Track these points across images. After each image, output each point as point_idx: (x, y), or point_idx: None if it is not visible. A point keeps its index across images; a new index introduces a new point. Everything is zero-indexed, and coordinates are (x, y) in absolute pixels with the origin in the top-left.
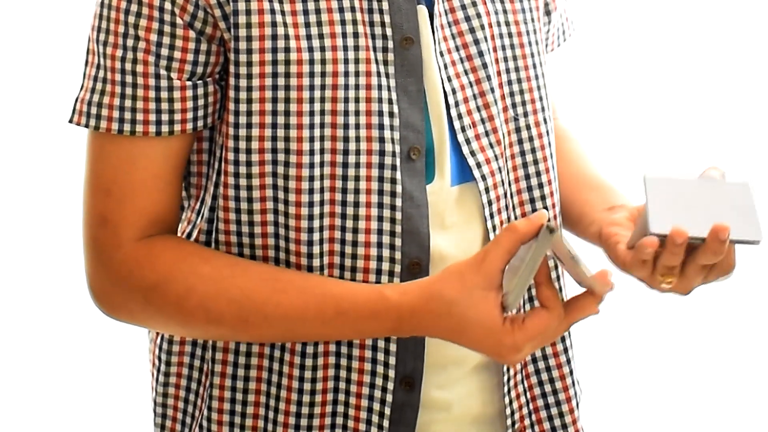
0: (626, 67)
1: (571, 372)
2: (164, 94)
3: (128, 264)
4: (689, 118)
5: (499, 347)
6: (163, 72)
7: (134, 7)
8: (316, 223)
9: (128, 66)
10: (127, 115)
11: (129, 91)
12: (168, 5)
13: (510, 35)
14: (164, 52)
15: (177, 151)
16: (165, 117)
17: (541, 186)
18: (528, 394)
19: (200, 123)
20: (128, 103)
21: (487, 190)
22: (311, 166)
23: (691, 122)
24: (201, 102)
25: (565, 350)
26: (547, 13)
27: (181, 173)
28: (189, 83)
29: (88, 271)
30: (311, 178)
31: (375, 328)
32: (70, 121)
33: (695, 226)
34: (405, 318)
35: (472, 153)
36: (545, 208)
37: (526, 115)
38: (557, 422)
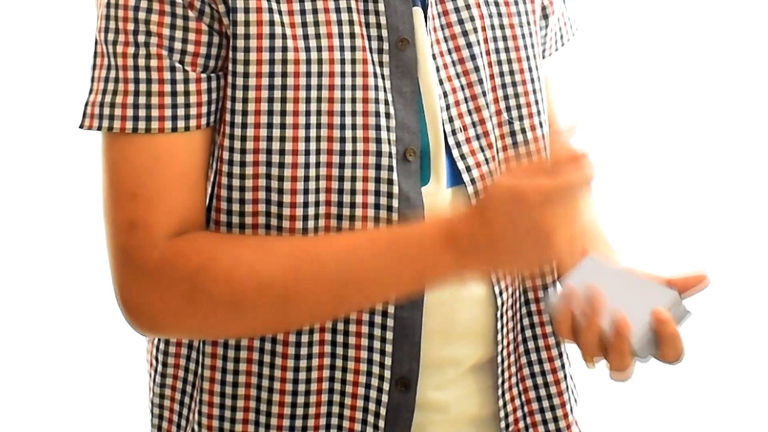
0: (626, 69)
1: (565, 377)
2: (180, 87)
3: (169, 258)
4: (689, 120)
5: (529, 210)
6: (177, 65)
7: (143, 3)
8: (311, 224)
9: (141, 62)
10: (142, 113)
11: (143, 87)
12: None
13: (504, 39)
14: (178, 45)
15: (199, 148)
16: (181, 111)
17: None
18: (523, 397)
19: (212, 118)
20: (143, 99)
21: (476, 194)
22: (306, 166)
23: (692, 124)
24: (214, 96)
25: (560, 355)
26: (545, 17)
27: (205, 173)
28: (203, 76)
29: (120, 284)
30: (306, 179)
31: (428, 246)
32: (81, 126)
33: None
34: (455, 222)
35: (463, 156)
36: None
37: (521, 119)
38: (552, 426)
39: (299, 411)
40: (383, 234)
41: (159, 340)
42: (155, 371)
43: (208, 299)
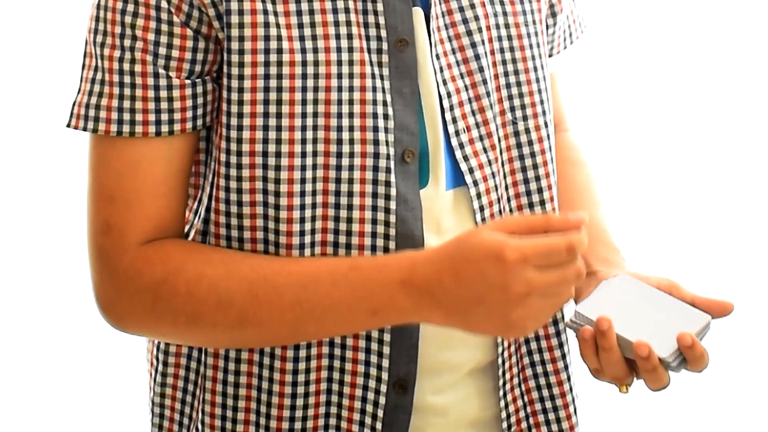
0: (628, 70)
1: (569, 378)
2: (163, 94)
3: (136, 264)
4: (695, 120)
5: (504, 269)
6: (161, 71)
7: (131, 7)
8: (308, 226)
9: (126, 66)
10: (126, 116)
11: (128, 91)
12: (164, 4)
13: (509, 38)
14: (162, 51)
15: (180, 153)
16: (165, 117)
17: (540, 191)
18: (525, 398)
19: (199, 122)
20: (127, 104)
21: (478, 195)
22: (303, 168)
23: (697, 123)
24: (200, 101)
25: (564, 356)
26: (553, 15)
27: (186, 178)
28: (188, 82)
29: (94, 281)
30: (303, 181)
31: (386, 280)
32: (68, 125)
33: (627, 328)
34: (419, 264)
35: (465, 157)
36: (543, 213)
37: (525, 119)
38: (555, 428)
39: (298, 413)
40: (344, 263)
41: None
42: (156, 371)
43: (170, 311)
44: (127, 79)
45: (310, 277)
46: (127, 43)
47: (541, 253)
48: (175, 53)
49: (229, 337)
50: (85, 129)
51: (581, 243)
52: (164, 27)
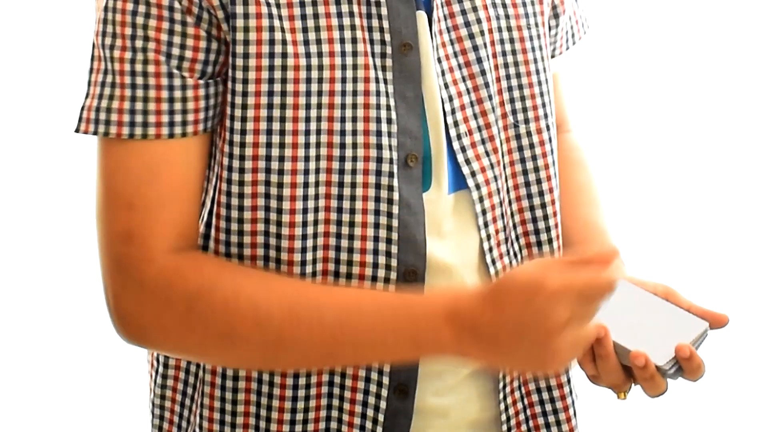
0: (631, 70)
1: (568, 380)
2: (177, 94)
3: (166, 274)
4: (692, 122)
5: (547, 296)
6: (175, 71)
7: (142, 8)
8: (310, 230)
9: (138, 67)
10: (138, 118)
11: (140, 93)
12: (176, 5)
13: (512, 41)
14: (175, 51)
15: (197, 157)
16: (178, 118)
17: (541, 194)
18: (525, 400)
19: (209, 123)
20: (139, 105)
21: (481, 199)
22: (306, 172)
23: (695, 126)
24: (212, 101)
25: None
26: (555, 16)
27: (201, 183)
28: (201, 82)
29: (112, 293)
30: (306, 185)
31: (431, 313)
32: (77, 130)
33: (624, 336)
34: (463, 299)
35: (468, 161)
36: (545, 216)
37: (527, 121)
38: (554, 430)
39: (299, 416)
40: (388, 298)
41: None
42: (156, 372)
43: (202, 325)
44: (139, 80)
45: (354, 300)
46: (138, 44)
47: (584, 284)
48: (188, 53)
49: (260, 356)
50: (95, 133)
51: (614, 282)
52: (177, 27)
